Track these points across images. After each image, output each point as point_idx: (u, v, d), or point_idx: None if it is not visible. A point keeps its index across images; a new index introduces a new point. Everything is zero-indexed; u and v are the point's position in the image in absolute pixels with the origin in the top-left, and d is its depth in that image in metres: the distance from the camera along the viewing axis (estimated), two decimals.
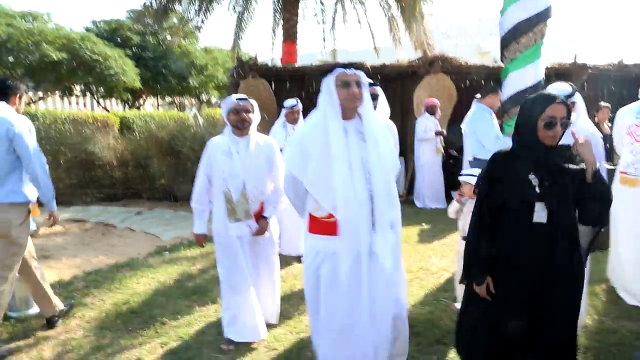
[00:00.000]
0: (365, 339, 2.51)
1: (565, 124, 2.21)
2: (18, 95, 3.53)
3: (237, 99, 3.31)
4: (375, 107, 3.40)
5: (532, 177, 2.22)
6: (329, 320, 2.54)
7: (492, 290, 2.36)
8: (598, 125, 5.88)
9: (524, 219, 2.23)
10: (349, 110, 2.48)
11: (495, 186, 2.33)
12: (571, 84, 3.22)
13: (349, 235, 2.44)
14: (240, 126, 3.29)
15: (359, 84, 2.46)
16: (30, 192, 3.44)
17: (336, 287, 2.48)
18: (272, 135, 5.31)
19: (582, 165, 2.23)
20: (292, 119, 5.14)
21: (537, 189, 2.21)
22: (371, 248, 2.47)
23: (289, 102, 5.20)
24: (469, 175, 3.78)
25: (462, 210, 3.89)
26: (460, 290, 3.85)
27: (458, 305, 3.75)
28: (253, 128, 3.38)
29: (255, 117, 3.38)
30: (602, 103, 6.31)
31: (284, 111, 5.21)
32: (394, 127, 3.58)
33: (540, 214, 2.21)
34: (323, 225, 2.51)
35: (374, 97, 3.43)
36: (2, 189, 3.31)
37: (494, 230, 2.35)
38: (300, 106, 5.19)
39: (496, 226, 2.34)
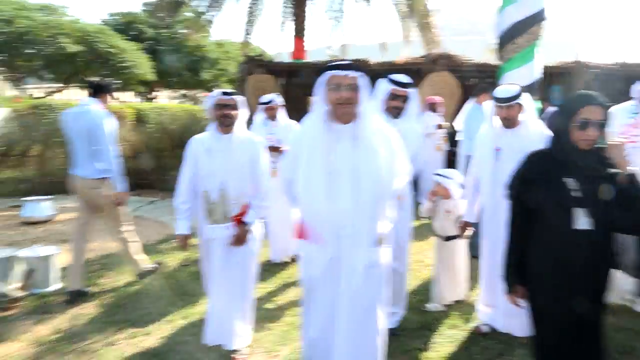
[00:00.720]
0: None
1: (602, 126, 2.10)
2: (108, 94, 4.31)
3: (221, 93, 3.10)
4: (404, 110, 3.27)
5: (568, 180, 2.10)
6: (307, 327, 2.50)
7: (524, 300, 2.30)
8: None
9: (564, 225, 2.11)
10: (343, 115, 2.29)
11: (528, 188, 2.21)
12: (519, 85, 3.29)
13: (318, 241, 2.32)
14: (224, 122, 3.07)
15: (354, 87, 2.25)
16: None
17: (313, 296, 2.43)
18: (253, 132, 5.37)
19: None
20: (271, 115, 4.93)
21: (575, 194, 2.09)
22: (354, 263, 2.30)
23: (265, 98, 4.97)
24: (442, 176, 3.87)
25: (437, 211, 3.95)
26: (434, 290, 3.98)
27: (429, 306, 3.93)
28: (239, 125, 3.16)
29: (242, 113, 3.17)
30: None
31: (260, 107, 4.96)
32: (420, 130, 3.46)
33: (581, 220, 2.08)
34: (305, 230, 2.40)
35: (406, 99, 3.25)
36: (90, 168, 4.14)
37: (525, 234, 2.26)
38: (278, 101, 4.96)
39: (532, 232, 2.24)
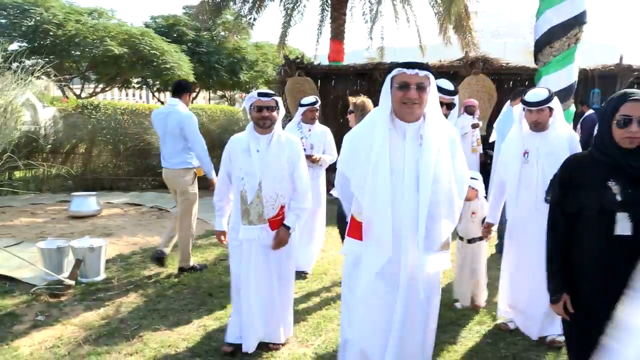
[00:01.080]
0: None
1: None
2: (189, 93, 4.74)
3: (259, 95, 3.08)
4: (447, 117, 3.21)
5: (611, 183, 2.00)
6: (352, 324, 2.41)
7: (570, 310, 2.17)
8: None
9: (604, 230, 2.01)
10: (407, 114, 2.24)
11: (569, 192, 2.13)
12: (549, 89, 3.29)
13: (376, 241, 2.25)
14: (262, 124, 3.07)
15: (421, 86, 2.19)
16: (195, 161, 4.72)
17: (364, 296, 2.34)
18: None
19: None
20: (310, 118, 4.78)
21: (618, 197, 1.98)
22: (414, 266, 2.25)
23: (308, 99, 4.84)
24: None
25: (462, 213, 3.94)
26: (458, 291, 4.02)
27: (458, 305, 3.99)
28: (277, 125, 3.15)
29: (280, 114, 3.15)
30: None
31: (301, 110, 4.80)
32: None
33: (623, 224, 1.98)
34: (361, 229, 2.34)
35: (450, 106, 3.25)
36: (177, 159, 4.63)
37: (567, 241, 2.16)
38: (319, 104, 4.85)
39: (573, 237, 2.14)
